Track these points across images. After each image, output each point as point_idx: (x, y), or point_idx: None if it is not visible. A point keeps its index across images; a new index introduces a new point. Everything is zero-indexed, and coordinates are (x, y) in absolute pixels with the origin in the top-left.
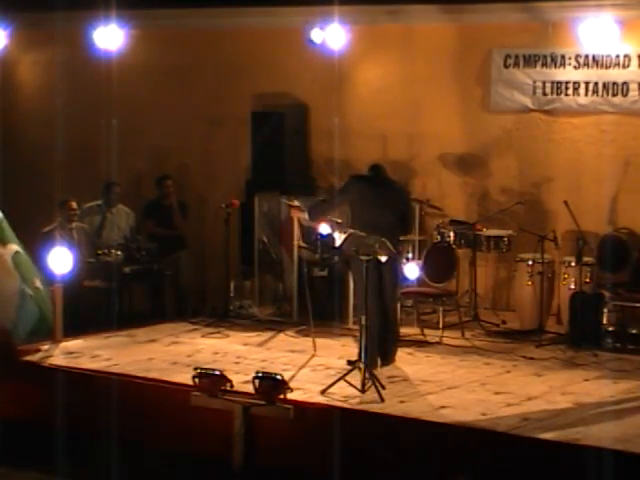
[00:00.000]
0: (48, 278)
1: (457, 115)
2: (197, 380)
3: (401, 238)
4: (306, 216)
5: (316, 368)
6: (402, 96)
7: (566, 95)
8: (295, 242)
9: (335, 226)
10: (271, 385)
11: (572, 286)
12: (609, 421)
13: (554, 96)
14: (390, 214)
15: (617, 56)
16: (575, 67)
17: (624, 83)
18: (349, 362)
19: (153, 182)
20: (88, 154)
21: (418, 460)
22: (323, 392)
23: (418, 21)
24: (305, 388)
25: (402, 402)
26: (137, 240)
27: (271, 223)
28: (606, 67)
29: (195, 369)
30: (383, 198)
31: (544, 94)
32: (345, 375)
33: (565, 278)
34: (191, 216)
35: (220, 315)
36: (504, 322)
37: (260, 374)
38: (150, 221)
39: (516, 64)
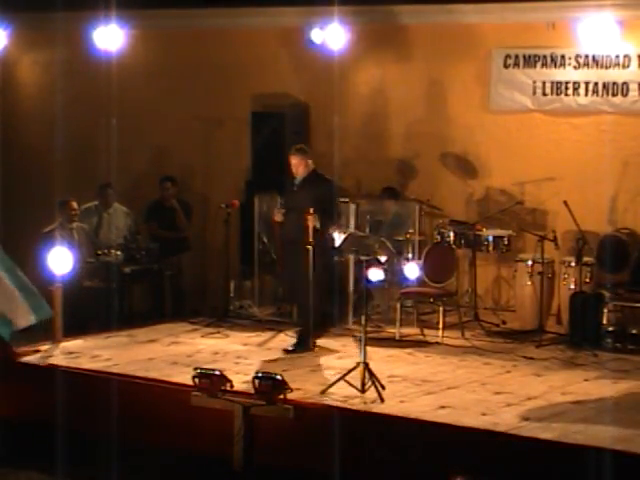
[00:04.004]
0: (48, 278)
1: (457, 115)
2: (197, 380)
3: None
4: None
5: (316, 368)
6: (402, 96)
7: (566, 95)
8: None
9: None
10: (271, 385)
11: (572, 286)
12: (609, 421)
13: (554, 96)
14: None
15: (617, 56)
16: (575, 67)
17: (624, 83)
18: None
19: (153, 182)
20: (88, 154)
21: (418, 460)
22: (323, 392)
23: (418, 21)
24: (305, 388)
25: (402, 402)
26: (137, 240)
27: (271, 223)
28: (606, 67)
29: (195, 369)
30: None
31: (544, 94)
32: (345, 375)
33: (565, 278)
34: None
35: (220, 315)
36: (504, 322)
37: (260, 374)
38: (153, 222)
39: (516, 64)
